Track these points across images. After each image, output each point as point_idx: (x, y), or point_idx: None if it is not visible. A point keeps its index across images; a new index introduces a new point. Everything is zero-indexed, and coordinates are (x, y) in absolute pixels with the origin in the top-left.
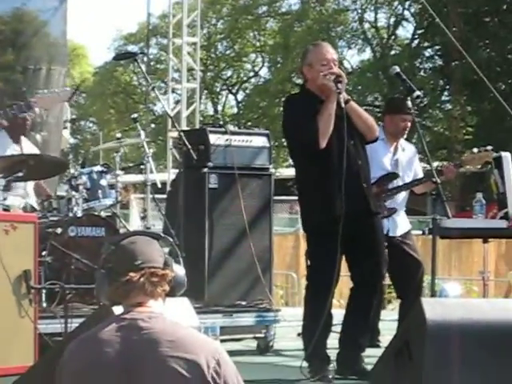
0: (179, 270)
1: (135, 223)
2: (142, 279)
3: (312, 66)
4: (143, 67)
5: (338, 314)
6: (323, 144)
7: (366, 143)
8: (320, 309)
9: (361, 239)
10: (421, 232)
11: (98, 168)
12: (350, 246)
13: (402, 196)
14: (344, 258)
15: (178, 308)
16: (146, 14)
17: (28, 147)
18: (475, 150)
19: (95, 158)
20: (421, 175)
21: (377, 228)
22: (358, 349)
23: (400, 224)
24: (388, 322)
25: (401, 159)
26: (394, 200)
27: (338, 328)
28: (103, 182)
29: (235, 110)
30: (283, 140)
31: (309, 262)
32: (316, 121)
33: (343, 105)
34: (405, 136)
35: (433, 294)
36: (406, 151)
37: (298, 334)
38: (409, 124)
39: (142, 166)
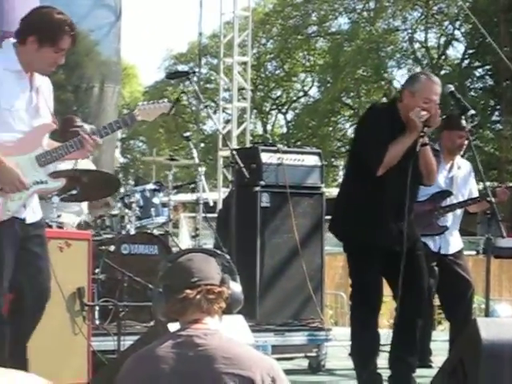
0: (236, 288)
1: (185, 242)
2: (198, 296)
3: (414, 95)
4: (196, 86)
5: (387, 333)
6: (380, 172)
7: (420, 184)
8: (366, 327)
9: (400, 264)
10: (473, 252)
11: (150, 186)
12: (390, 268)
13: (456, 214)
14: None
15: (233, 325)
16: (196, 33)
17: (84, 163)
18: None
19: (146, 176)
20: (476, 194)
21: (416, 252)
22: (409, 369)
23: (452, 242)
24: (439, 342)
25: (456, 177)
26: (447, 218)
27: (387, 348)
28: (156, 200)
29: (284, 130)
30: (333, 159)
31: (351, 282)
32: (386, 148)
33: (418, 148)
34: (461, 153)
35: (487, 314)
36: (462, 169)
37: (349, 354)
38: (465, 141)
39: (192, 185)
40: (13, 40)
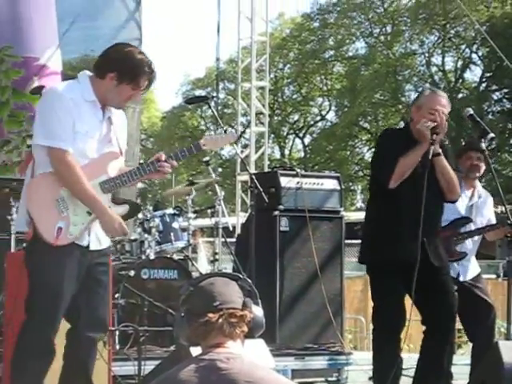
0: (258, 311)
1: (203, 267)
2: (220, 320)
3: (420, 109)
4: (214, 110)
5: (407, 357)
6: (393, 185)
7: (444, 201)
8: (388, 351)
9: (428, 285)
10: (493, 276)
11: (170, 211)
12: (418, 291)
13: (475, 241)
14: (413, 302)
15: (254, 349)
16: (214, 59)
17: None
18: None
19: (166, 201)
20: (494, 222)
21: (441, 276)
22: None
23: (470, 268)
24: (460, 366)
25: (476, 205)
26: (465, 245)
27: (409, 372)
28: (175, 225)
29: (302, 154)
30: (350, 184)
31: (373, 305)
32: (397, 161)
33: (430, 156)
34: (477, 176)
35: (508, 338)
36: (482, 198)
37: (370, 378)
38: (476, 162)
39: (211, 210)
40: (88, 73)
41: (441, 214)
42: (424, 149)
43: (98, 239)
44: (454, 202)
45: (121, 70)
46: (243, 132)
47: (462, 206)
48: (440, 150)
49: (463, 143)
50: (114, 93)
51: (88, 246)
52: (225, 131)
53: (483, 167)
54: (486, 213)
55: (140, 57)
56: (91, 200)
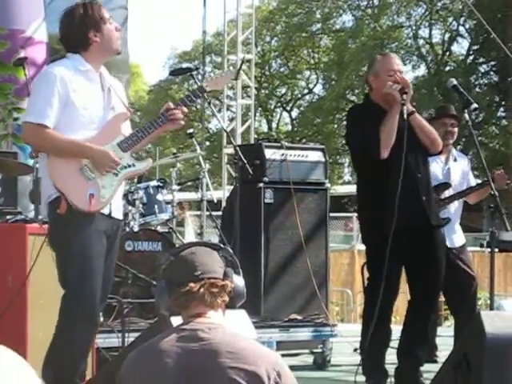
0: (239, 281)
1: (190, 240)
2: (201, 290)
3: (378, 75)
4: (200, 83)
5: (394, 329)
6: (385, 154)
7: (429, 155)
8: (378, 323)
9: (420, 253)
10: (477, 248)
11: (154, 183)
12: (409, 260)
13: (456, 207)
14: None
15: (236, 320)
16: (200, 32)
17: None
18: None
19: (151, 174)
20: (473, 184)
21: (437, 242)
22: (417, 362)
23: (456, 236)
24: (445, 337)
25: (453, 169)
26: (448, 210)
27: (396, 343)
28: (160, 197)
29: (289, 128)
30: (338, 157)
31: (367, 275)
32: (379, 131)
33: (406, 116)
34: (450, 142)
35: (491, 309)
36: (459, 161)
37: (355, 350)
38: (450, 129)
39: (197, 183)
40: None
41: (429, 171)
42: (397, 111)
43: (117, 208)
44: (439, 153)
45: (89, 23)
46: (240, 68)
47: (438, 171)
48: (413, 108)
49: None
50: (107, 42)
51: (110, 214)
52: (223, 71)
53: (456, 133)
54: (466, 176)
55: (80, 5)
56: (73, 146)
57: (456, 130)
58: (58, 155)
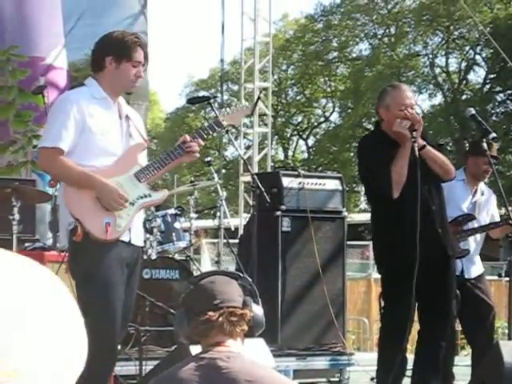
0: (258, 310)
1: (207, 268)
2: (220, 319)
3: (389, 109)
4: (217, 111)
5: (410, 359)
6: (396, 194)
7: (443, 182)
8: (394, 352)
9: (434, 283)
10: (495, 277)
11: (172, 211)
12: (422, 290)
13: (477, 240)
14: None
15: (254, 348)
16: (217, 60)
17: None
18: None
19: (168, 202)
20: (497, 220)
21: (450, 272)
22: None
23: (474, 266)
24: (462, 367)
25: (479, 202)
26: (468, 242)
27: (409, 372)
28: (177, 225)
29: (306, 155)
30: (354, 185)
31: (383, 304)
32: (389, 169)
33: (417, 153)
34: (485, 179)
35: (509, 338)
36: (486, 195)
37: (372, 379)
38: (486, 168)
39: (213, 210)
40: (92, 77)
41: (445, 204)
42: (408, 148)
43: (137, 235)
44: (451, 180)
45: (113, 50)
46: (256, 103)
47: (465, 203)
48: (424, 142)
49: (467, 145)
50: (118, 76)
51: (130, 241)
52: (238, 105)
53: (490, 170)
54: (490, 210)
55: (123, 33)
56: (82, 177)
57: (490, 168)
58: (70, 184)
